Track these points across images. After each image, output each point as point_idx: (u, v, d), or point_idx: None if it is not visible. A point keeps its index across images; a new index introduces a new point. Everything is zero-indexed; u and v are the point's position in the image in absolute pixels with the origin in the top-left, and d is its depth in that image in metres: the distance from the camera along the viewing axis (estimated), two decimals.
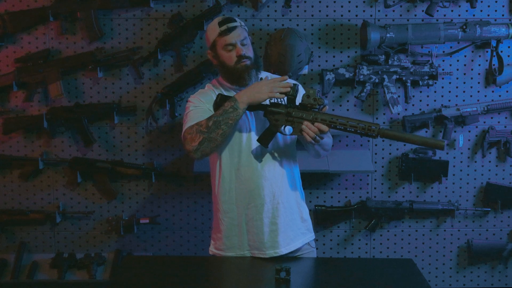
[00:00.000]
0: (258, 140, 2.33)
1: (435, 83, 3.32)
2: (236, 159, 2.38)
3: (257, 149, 2.37)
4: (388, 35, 3.20)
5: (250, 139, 2.38)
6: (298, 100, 2.33)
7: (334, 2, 3.31)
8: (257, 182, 2.37)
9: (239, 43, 2.35)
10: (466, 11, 3.32)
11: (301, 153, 2.55)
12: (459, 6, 3.32)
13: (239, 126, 2.36)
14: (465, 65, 3.37)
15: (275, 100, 2.37)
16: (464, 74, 3.38)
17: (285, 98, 2.31)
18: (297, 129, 2.28)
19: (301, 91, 2.44)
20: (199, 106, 2.37)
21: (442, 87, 3.39)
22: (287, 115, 2.28)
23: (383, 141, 3.39)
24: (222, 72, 2.42)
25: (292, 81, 2.46)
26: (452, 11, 3.32)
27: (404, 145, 3.40)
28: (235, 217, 2.41)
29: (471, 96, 3.39)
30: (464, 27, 3.21)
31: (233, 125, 2.26)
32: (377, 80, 3.29)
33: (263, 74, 2.47)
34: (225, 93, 2.42)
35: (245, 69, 2.35)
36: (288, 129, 2.33)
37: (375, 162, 3.42)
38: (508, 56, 3.37)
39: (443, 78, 3.34)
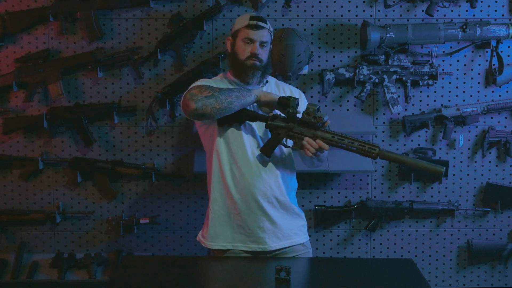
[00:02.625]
0: (261, 150, 2.39)
1: (435, 83, 3.32)
2: (233, 152, 2.42)
3: (253, 149, 2.42)
4: (388, 35, 3.20)
5: (249, 137, 2.42)
6: (303, 108, 2.39)
7: (334, 2, 3.31)
8: (250, 179, 2.41)
9: (259, 42, 2.41)
10: (466, 11, 3.32)
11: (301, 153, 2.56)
12: (459, 6, 3.32)
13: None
14: (465, 65, 3.37)
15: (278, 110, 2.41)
16: (464, 74, 3.38)
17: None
18: (298, 144, 2.32)
19: (304, 101, 2.52)
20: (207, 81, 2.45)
21: (442, 87, 3.39)
22: (288, 130, 2.32)
23: (383, 141, 3.39)
24: (231, 61, 2.49)
25: (295, 90, 2.52)
26: (452, 11, 3.32)
27: (404, 145, 3.40)
28: (225, 207, 2.45)
29: (471, 96, 3.39)
30: (464, 27, 3.21)
31: (241, 103, 2.30)
32: (377, 80, 3.29)
33: (268, 78, 2.54)
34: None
35: (251, 67, 2.41)
36: (290, 141, 2.37)
37: (375, 162, 3.41)
38: (508, 56, 3.37)
39: (443, 78, 3.34)
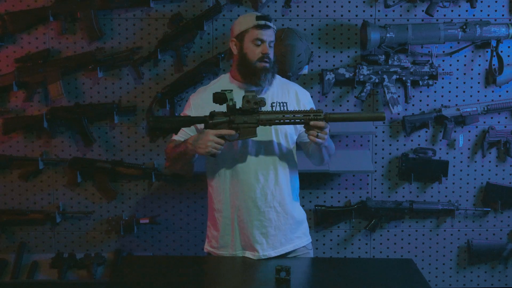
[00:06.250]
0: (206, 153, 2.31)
1: (435, 83, 3.32)
2: (232, 160, 2.40)
3: (251, 153, 2.40)
4: (388, 35, 3.20)
5: (246, 142, 2.38)
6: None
7: (334, 2, 3.31)
8: (249, 185, 2.40)
9: (268, 43, 2.38)
10: (466, 11, 3.32)
11: (301, 153, 2.55)
12: (459, 6, 3.32)
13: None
14: (465, 65, 3.37)
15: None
16: (464, 74, 3.38)
17: (224, 106, 2.28)
18: (243, 134, 2.27)
19: (309, 101, 2.50)
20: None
21: (442, 87, 3.39)
22: (230, 123, 2.27)
23: (383, 141, 3.39)
24: (239, 64, 2.41)
25: (302, 91, 2.53)
26: (452, 11, 3.32)
27: (404, 145, 3.40)
28: (229, 216, 2.44)
29: (471, 96, 3.39)
30: (464, 27, 3.21)
31: (190, 162, 2.42)
32: (377, 80, 3.29)
33: (277, 78, 2.50)
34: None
35: (263, 70, 2.37)
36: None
37: (375, 162, 3.42)
38: (508, 56, 3.37)
39: (443, 78, 3.34)
